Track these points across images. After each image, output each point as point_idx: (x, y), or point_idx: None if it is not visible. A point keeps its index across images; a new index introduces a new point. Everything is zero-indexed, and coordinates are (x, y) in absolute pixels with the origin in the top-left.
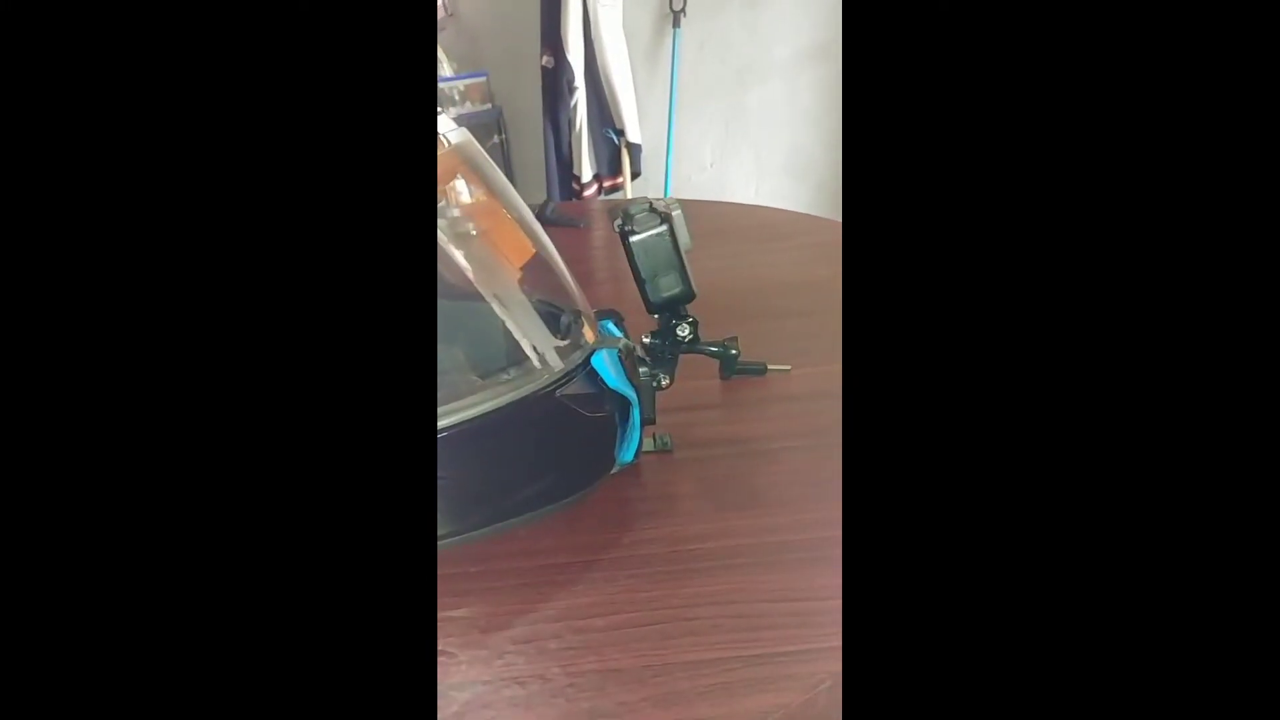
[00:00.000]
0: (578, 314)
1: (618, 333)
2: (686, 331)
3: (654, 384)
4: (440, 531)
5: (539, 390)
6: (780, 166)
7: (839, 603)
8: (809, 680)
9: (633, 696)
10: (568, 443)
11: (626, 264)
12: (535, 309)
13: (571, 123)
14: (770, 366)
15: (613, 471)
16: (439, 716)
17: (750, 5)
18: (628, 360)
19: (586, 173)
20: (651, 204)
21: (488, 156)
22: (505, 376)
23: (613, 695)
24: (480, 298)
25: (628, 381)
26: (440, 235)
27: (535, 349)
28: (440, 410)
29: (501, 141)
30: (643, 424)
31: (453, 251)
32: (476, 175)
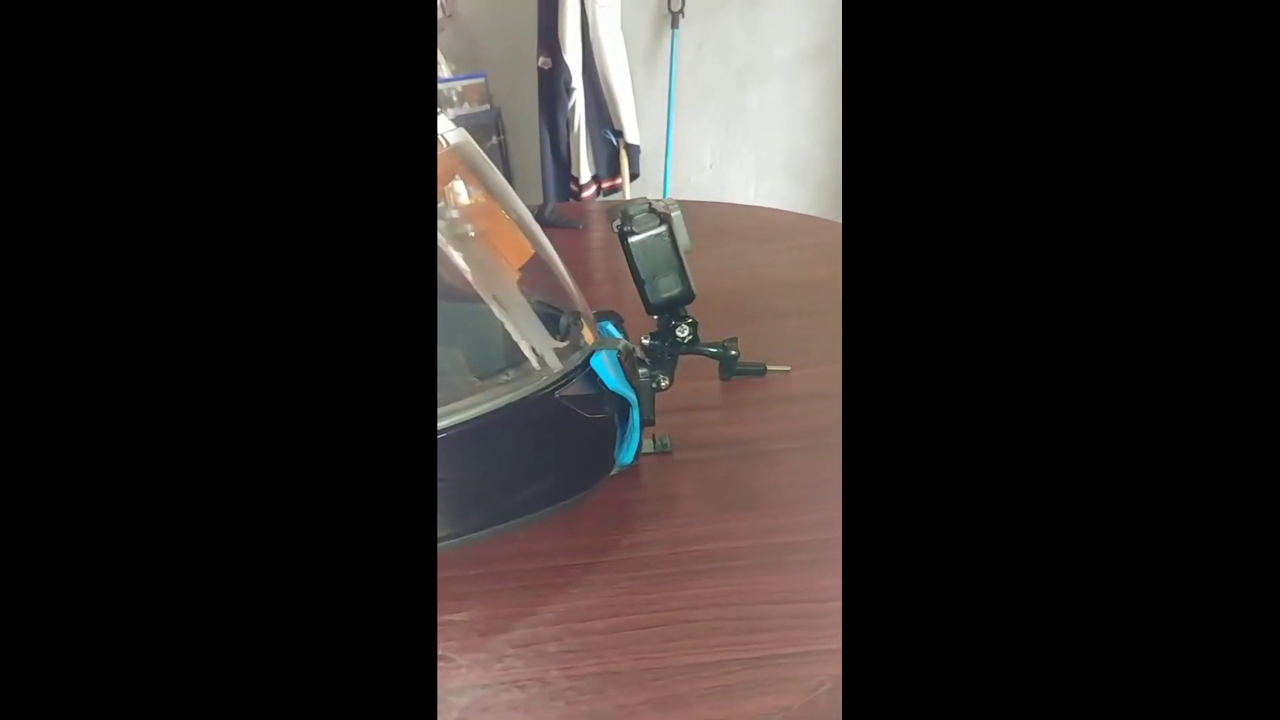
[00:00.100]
0: (577, 315)
1: (617, 334)
2: (686, 332)
3: (653, 385)
4: (439, 534)
5: (538, 391)
6: (779, 167)
7: (839, 605)
8: (809, 683)
9: (633, 699)
10: (567, 444)
11: (625, 265)
12: (534, 310)
13: (570, 124)
14: (770, 367)
15: (612, 473)
16: None
17: (749, 6)
18: (627, 361)
19: (585, 174)
20: (651, 205)
21: (486, 157)
22: (504, 378)
23: (612, 698)
24: (479, 299)
25: (627, 383)
26: (439, 236)
27: (534, 350)
28: (439, 411)
29: (500, 143)
30: (642, 425)
31: (451, 253)
32: (475, 176)
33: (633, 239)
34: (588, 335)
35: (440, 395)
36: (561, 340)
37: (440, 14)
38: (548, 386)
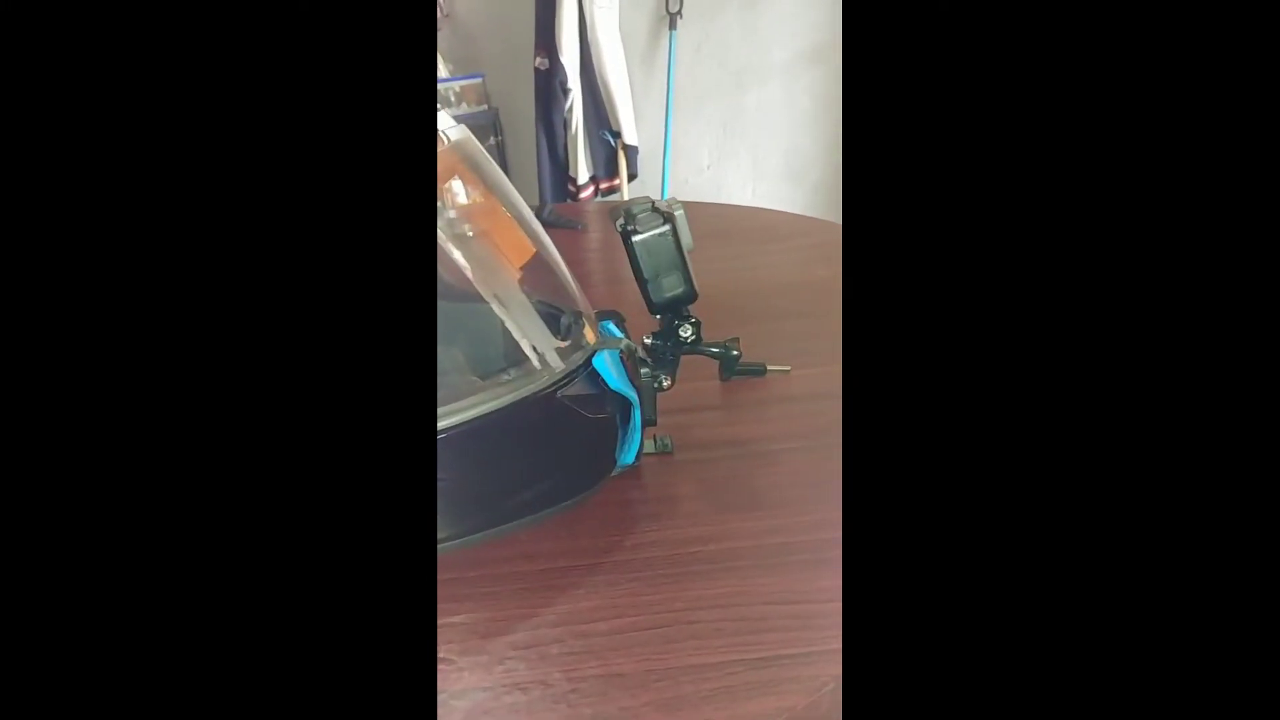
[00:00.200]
0: (578, 315)
1: (618, 334)
2: (689, 332)
3: (655, 385)
4: (439, 535)
5: (540, 391)
6: (777, 168)
7: (840, 604)
8: (813, 683)
9: (635, 701)
10: (568, 444)
11: (624, 266)
12: (535, 309)
13: (567, 124)
14: (770, 367)
15: (613, 474)
16: None
17: (747, 7)
18: (629, 361)
19: (582, 175)
20: (654, 204)
21: (487, 155)
22: (505, 377)
23: (616, 700)
24: (480, 298)
25: (629, 383)
26: (439, 235)
27: (536, 350)
28: (439, 411)
29: (498, 143)
30: (644, 425)
31: (452, 251)
32: (476, 174)
33: (636, 238)
34: (589, 335)
35: (440, 395)
36: (563, 340)
37: (438, 14)
38: (549, 386)
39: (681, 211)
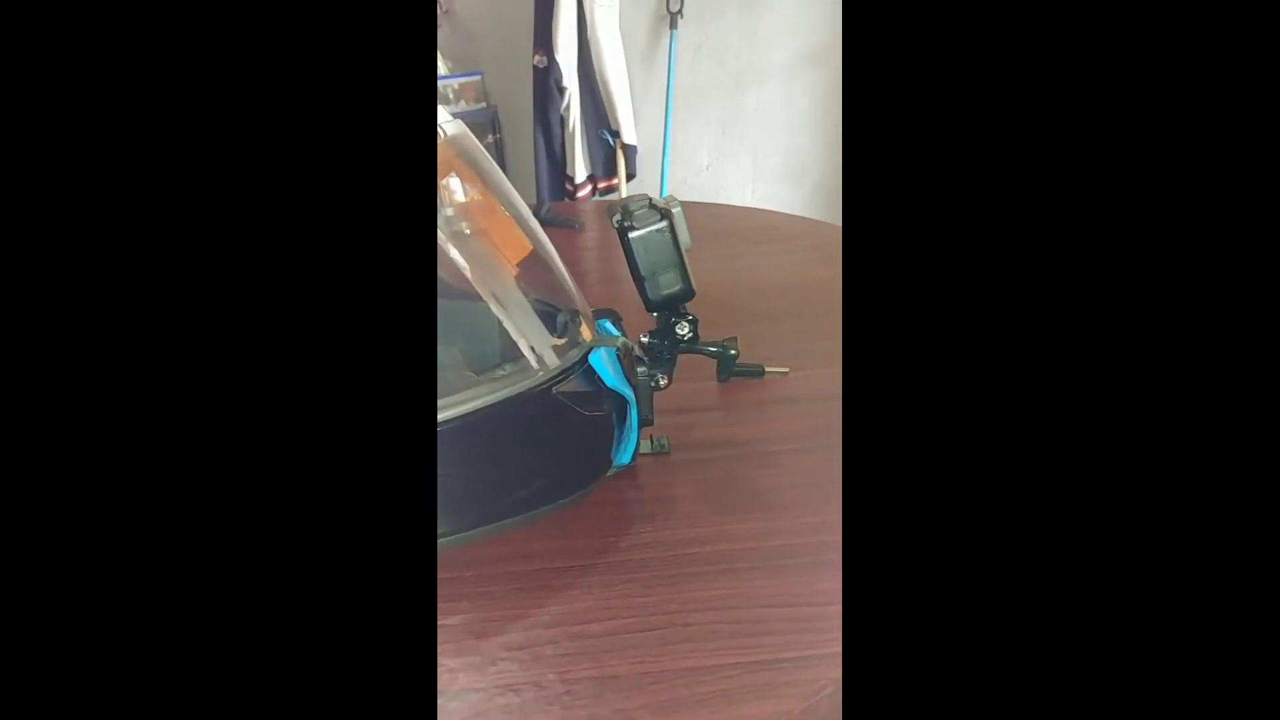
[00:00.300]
0: (574, 313)
1: (615, 332)
2: (686, 330)
3: (652, 384)
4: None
5: (535, 387)
6: (776, 170)
7: (840, 608)
8: (810, 687)
9: (630, 704)
10: (564, 442)
11: (622, 265)
12: (532, 307)
13: (564, 123)
14: (768, 369)
15: (609, 473)
16: None
17: (747, 8)
18: (626, 360)
19: (579, 173)
20: (651, 201)
21: (485, 151)
22: (501, 372)
23: (610, 703)
24: (476, 296)
25: (626, 381)
26: (459, 231)
27: (531, 347)
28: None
29: (496, 141)
30: (641, 425)
31: (449, 249)
32: (472, 170)
33: (633, 234)
34: (585, 333)
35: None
36: (559, 337)
37: (438, 11)
38: (545, 382)
39: (679, 209)
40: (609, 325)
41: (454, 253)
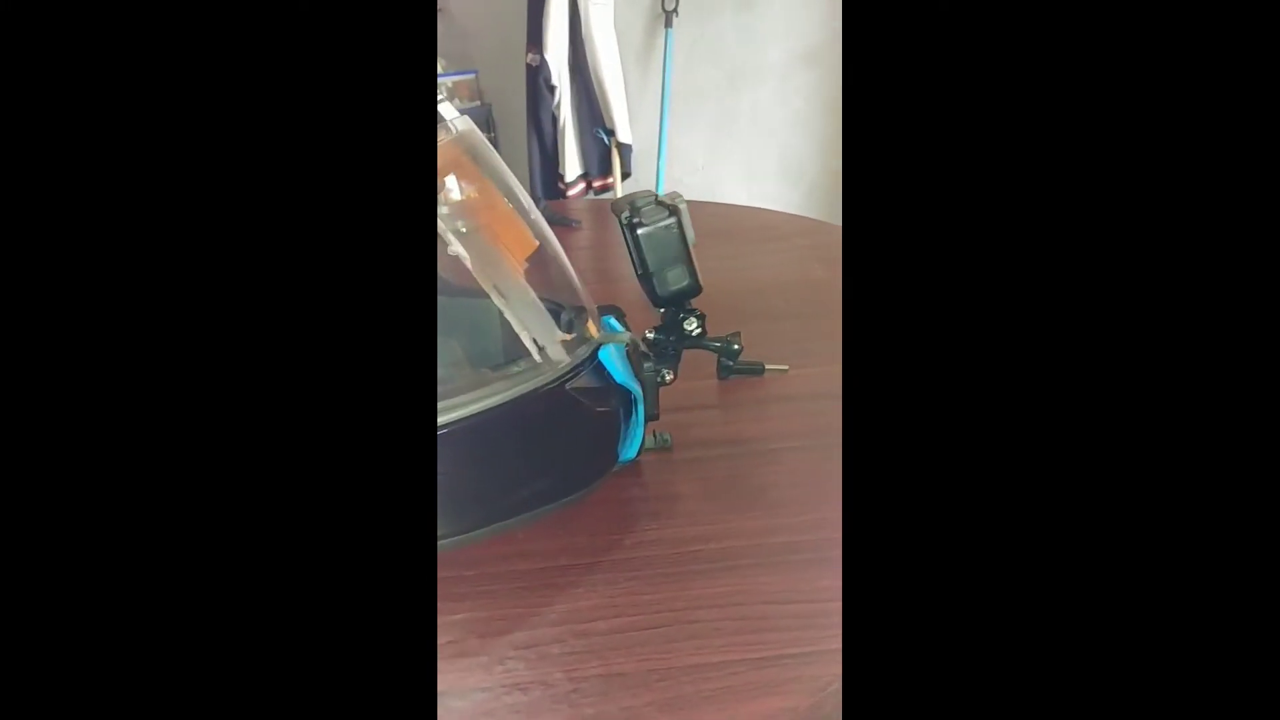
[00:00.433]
0: (579, 310)
1: (620, 329)
2: (695, 325)
3: (658, 379)
4: (439, 531)
5: (546, 384)
6: (772, 169)
7: (839, 604)
8: (815, 683)
9: (637, 701)
10: (572, 439)
11: (620, 263)
12: (540, 304)
13: (555, 121)
14: (768, 366)
15: (615, 469)
16: None
17: (743, 8)
18: (633, 355)
19: (570, 172)
20: (658, 197)
21: (491, 147)
22: (515, 369)
23: (617, 700)
24: (484, 293)
25: (633, 377)
26: (443, 229)
27: (540, 344)
28: (443, 405)
29: (491, 139)
30: (647, 419)
31: (457, 246)
32: (480, 166)
33: (642, 230)
34: (592, 329)
35: (445, 389)
36: (568, 334)
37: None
38: (556, 379)
39: (684, 205)
40: (613, 322)
41: (461, 250)
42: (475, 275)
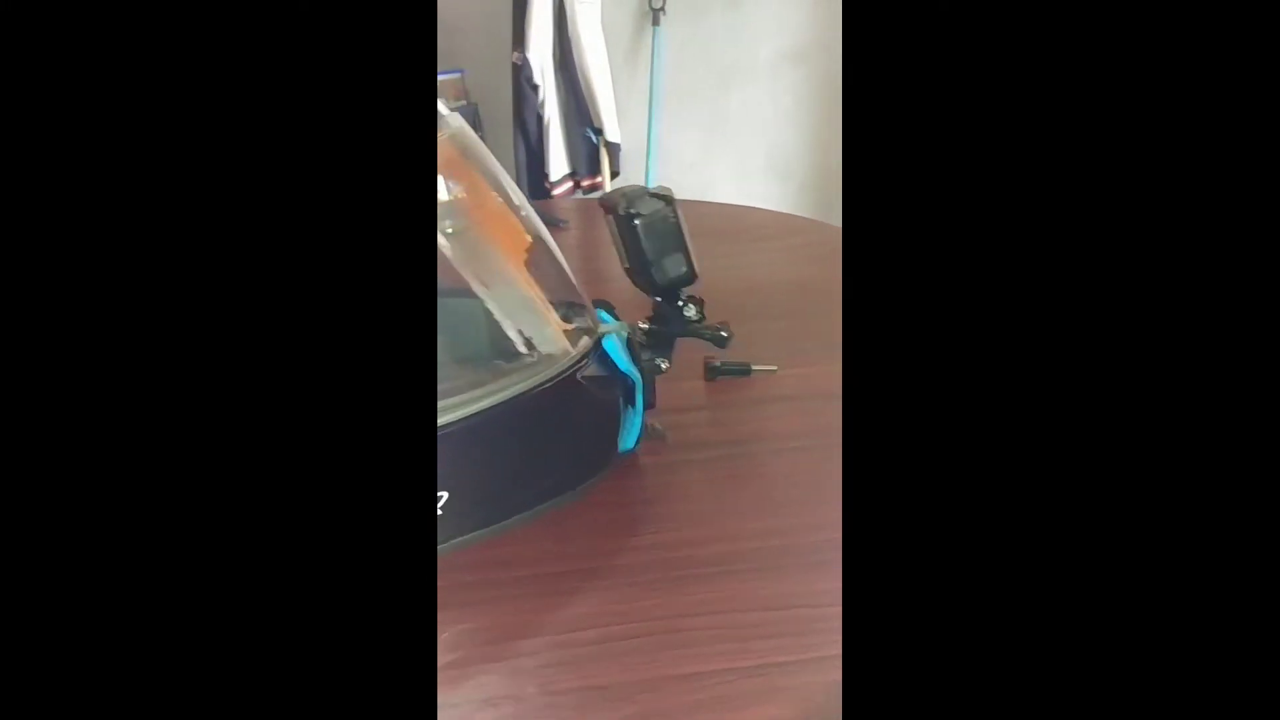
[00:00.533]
0: (571, 304)
1: (614, 321)
2: (694, 312)
3: (656, 367)
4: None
5: (558, 375)
6: (762, 168)
7: (837, 609)
8: (804, 691)
9: (616, 715)
10: (579, 430)
11: (609, 263)
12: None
13: (541, 119)
14: (756, 367)
15: (616, 460)
16: None
17: (731, 7)
18: (633, 344)
19: (555, 171)
20: (649, 190)
21: (484, 146)
22: (516, 364)
23: (594, 714)
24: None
25: (634, 365)
26: (443, 231)
27: (526, 335)
28: (445, 405)
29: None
30: (646, 407)
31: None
32: (472, 164)
33: (639, 220)
34: (591, 321)
35: (446, 388)
36: (570, 325)
37: None
38: (567, 369)
39: (672, 195)
40: (606, 315)
41: (459, 248)
42: (459, 271)
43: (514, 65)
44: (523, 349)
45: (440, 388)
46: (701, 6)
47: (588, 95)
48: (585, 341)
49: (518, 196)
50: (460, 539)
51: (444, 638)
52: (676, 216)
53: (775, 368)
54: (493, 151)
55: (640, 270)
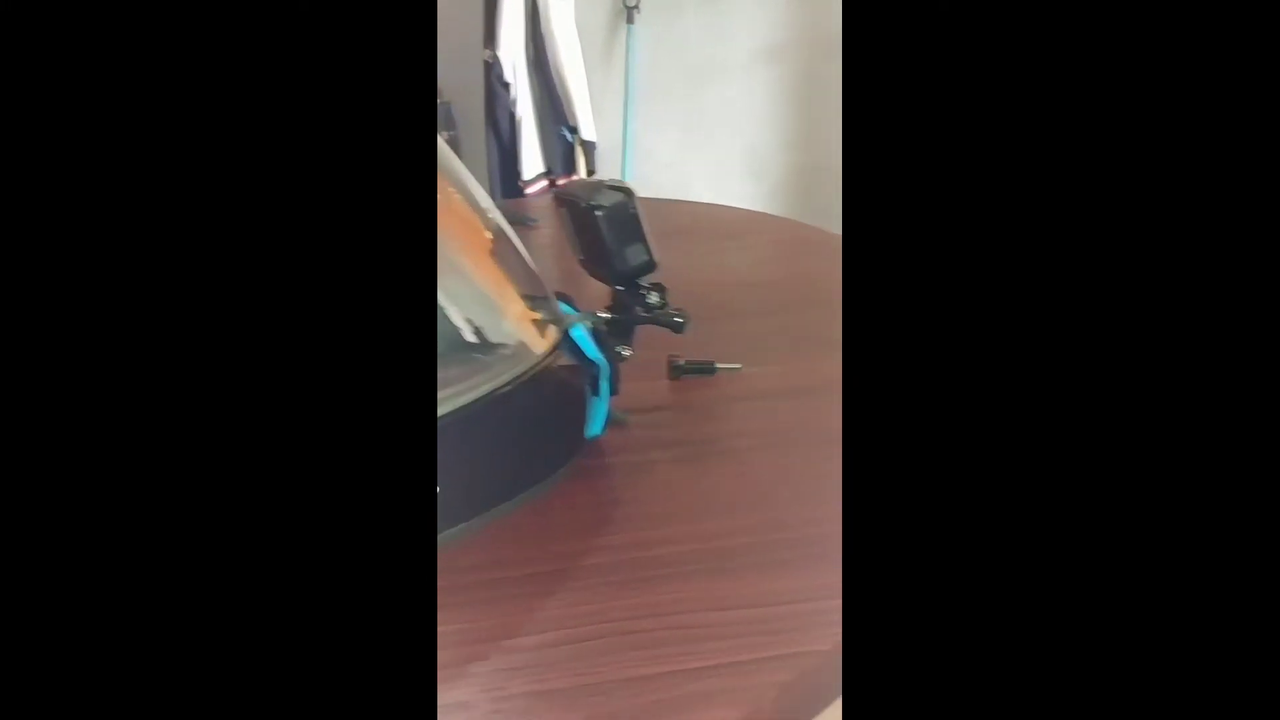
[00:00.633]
0: (536, 298)
1: (575, 312)
2: (656, 298)
3: (619, 354)
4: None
5: (529, 370)
6: (738, 166)
7: (789, 608)
8: (752, 693)
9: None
10: (547, 420)
11: (572, 264)
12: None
13: (513, 118)
14: (720, 365)
15: (582, 447)
16: None
17: (706, 5)
18: (599, 332)
19: (527, 170)
20: (605, 182)
21: (444, 144)
22: (506, 351)
23: (543, 718)
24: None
25: (600, 352)
26: None
27: (476, 325)
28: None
29: (451, 138)
30: (612, 394)
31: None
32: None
33: (600, 211)
34: (556, 313)
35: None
36: (538, 315)
37: None
38: (542, 360)
39: (629, 188)
40: (568, 307)
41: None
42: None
43: (485, 63)
44: (471, 338)
45: None
46: (676, 5)
47: (562, 93)
48: (553, 332)
49: (479, 193)
50: (450, 530)
51: None
52: (635, 208)
53: (740, 366)
54: (466, 150)
55: (600, 260)
